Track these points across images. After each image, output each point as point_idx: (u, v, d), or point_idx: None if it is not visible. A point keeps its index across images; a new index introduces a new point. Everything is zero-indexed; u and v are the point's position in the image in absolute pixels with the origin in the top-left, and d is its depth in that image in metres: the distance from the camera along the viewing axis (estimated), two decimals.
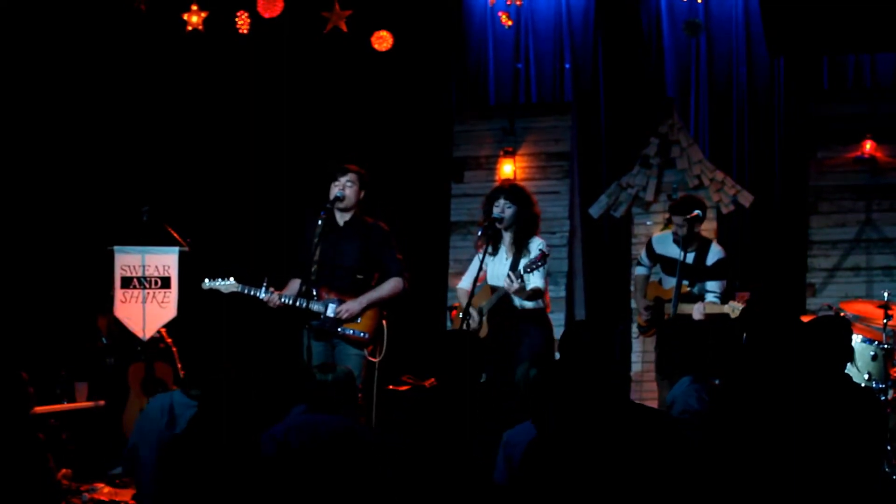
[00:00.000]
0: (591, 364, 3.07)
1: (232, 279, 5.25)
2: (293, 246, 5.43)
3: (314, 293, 5.19)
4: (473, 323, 5.14)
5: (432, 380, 5.80)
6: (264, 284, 5.13)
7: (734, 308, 5.35)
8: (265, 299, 5.13)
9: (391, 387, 5.96)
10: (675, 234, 5.75)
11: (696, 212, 5.66)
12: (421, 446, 3.53)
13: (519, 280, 4.89)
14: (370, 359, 5.24)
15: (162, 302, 6.29)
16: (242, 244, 7.38)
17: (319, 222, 5.19)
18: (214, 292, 5.24)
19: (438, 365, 3.67)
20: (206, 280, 5.28)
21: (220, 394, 3.52)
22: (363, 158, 5.75)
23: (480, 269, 5.18)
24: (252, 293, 5.18)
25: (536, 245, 5.18)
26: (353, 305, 5.20)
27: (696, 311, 5.48)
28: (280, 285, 5.27)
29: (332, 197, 5.24)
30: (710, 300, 5.56)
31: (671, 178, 7.25)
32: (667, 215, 7.06)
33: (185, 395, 4.26)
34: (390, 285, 5.30)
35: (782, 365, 3.13)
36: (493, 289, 5.23)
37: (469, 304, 5.06)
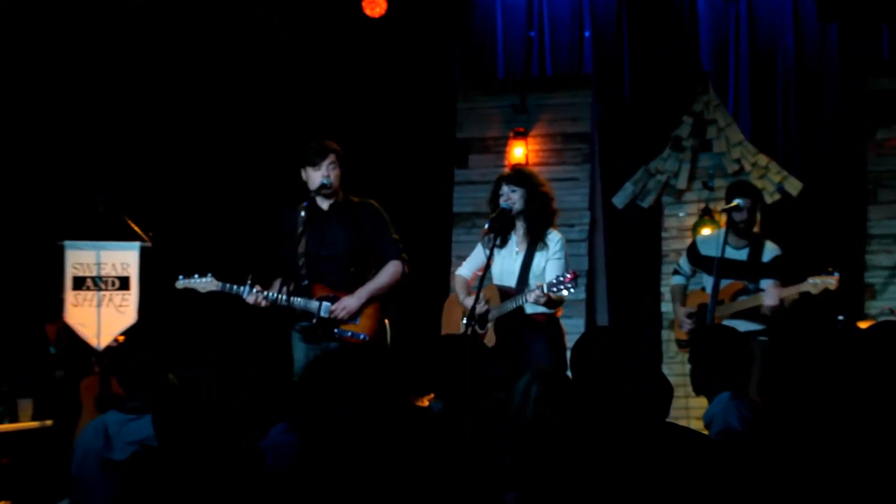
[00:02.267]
0: (612, 379, 3.02)
1: (210, 276, 5.25)
2: (273, 241, 5.45)
3: (305, 290, 5.21)
4: (482, 326, 5.13)
5: (431, 395, 5.76)
6: (248, 282, 5.12)
7: (816, 284, 5.42)
8: (250, 299, 5.12)
9: None
10: (734, 221, 5.66)
11: (737, 201, 5.67)
12: (416, 473, 3.52)
13: (546, 298, 4.85)
14: None
15: (120, 305, 6.30)
16: (215, 238, 7.42)
17: (303, 213, 5.23)
18: (190, 292, 5.25)
19: (439, 378, 3.70)
20: (181, 278, 5.27)
21: (166, 408, 3.45)
22: (351, 140, 5.83)
23: (489, 262, 5.15)
24: (234, 291, 5.17)
25: (555, 241, 5.15)
26: (350, 302, 5.21)
27: (769, 296, 5.51)
28: (263, 285, 5.28)
29: (315, 185, 5.26)
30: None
31: (707, 162, 7.24)
32: (702, 205, 7.21)
33: (120, 411, 4.23)
34: (389, 271, 5.30)
35: (836, 380, 3.08)
36: (504, 292, 5.19)
37: (475, 303, 5.01)
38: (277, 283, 5.24)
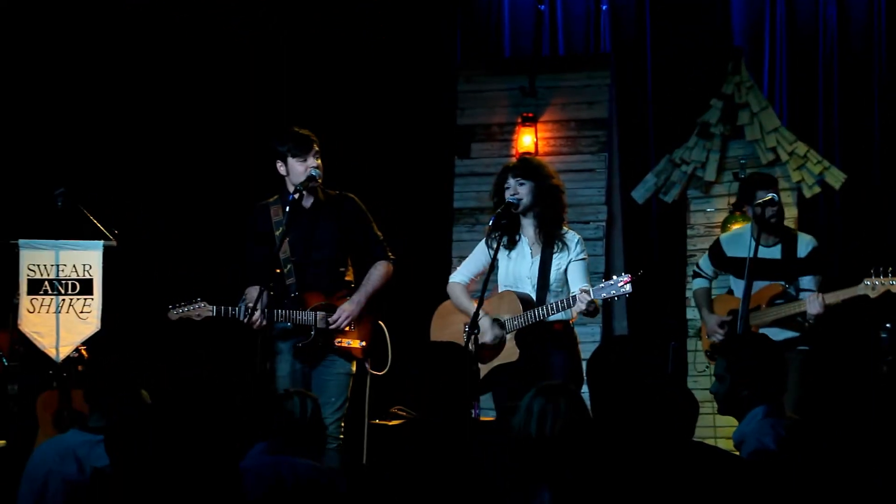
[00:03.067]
0: (631, 394, 3.10)
1: (201, 301, 5.36)
2: (239, 245, 5.47)
3: (296, 301, 5.24)
4: (485, 337, 5.09)
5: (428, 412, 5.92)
6: (242, 301, 5.23)
7: (875, 287, 5.36)
8: (248, 321, 5.11)
9: (377, 420, 6.01)
10: (765, 218, 5.63)
11: (771, 195, 5.61)
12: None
13: (594, 305, 4.86)
14: (372, 371, 5.34)
15: (81, 312, 6.27)
16: (188, 236, 7.41)
17: (287, 208, 5.19)
18: (185, 321, 5.39)
19: (430, 393, 3.97)
20: (172, 308, 5.42)
21: (131, 427, 3.49)
22: (337, 126, 6.05)
23: (493, 266, 5.09)
24: (231, 314, 5.28)
25: (576, 241, 5.15)
26: (351, 308, 5.27)
27: (813, 304, 5.47)
28: (226, 294, 5.35)
29: (300, 178, 5.23)
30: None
31: (738, 151, 7.21)
32: (732, 199, 7.11)
33: (83, 430, 4.20)
34: (379, 272, 5.38)
35: (885, 396, 3.07)
36: (523, 300, 5.13)
37: (478, 311, 4.90)
38: (248, 294, 5.23)
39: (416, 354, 5.55)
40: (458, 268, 5.45)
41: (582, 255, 5.12)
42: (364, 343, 5.34)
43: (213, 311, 5.32)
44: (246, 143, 7.46)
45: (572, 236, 5.16)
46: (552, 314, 4.99)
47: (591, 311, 4.88)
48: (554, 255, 5.12)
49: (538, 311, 5.01)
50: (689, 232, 7.28)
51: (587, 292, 4.82)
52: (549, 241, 5.13)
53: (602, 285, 4.82)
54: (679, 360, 6.87)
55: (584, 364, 4.64)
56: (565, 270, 5.10)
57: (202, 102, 7.61)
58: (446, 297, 7.11)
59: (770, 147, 7.04)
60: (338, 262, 5.36)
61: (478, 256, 5.32)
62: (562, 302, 4.94)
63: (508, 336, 5.10)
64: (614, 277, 4.81)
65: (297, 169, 5.25)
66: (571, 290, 5.01)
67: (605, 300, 4.85)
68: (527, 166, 5.24)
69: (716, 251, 5.92)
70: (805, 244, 5.70)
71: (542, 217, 5.15)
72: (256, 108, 7.63)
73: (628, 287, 4.76)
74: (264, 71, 7.68)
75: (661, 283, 7.37)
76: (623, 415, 3.10)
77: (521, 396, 3.61)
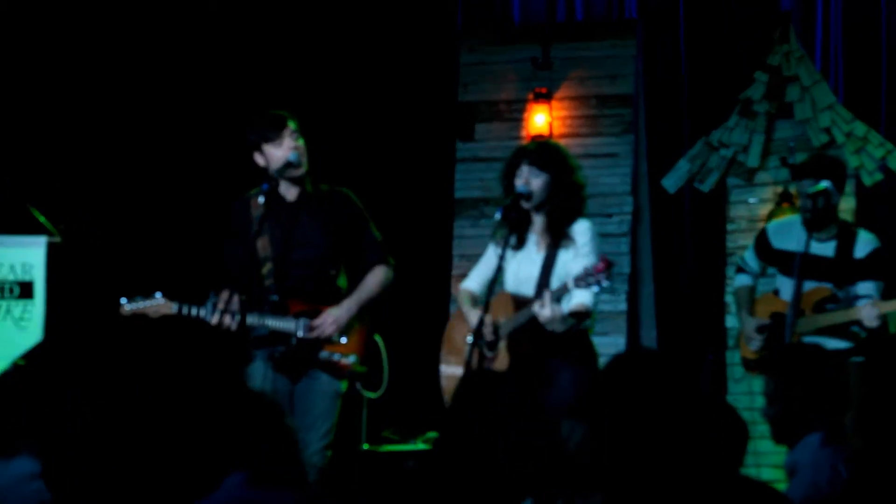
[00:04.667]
0: (660, 418, 3.03)
1: (160, 296, 5.34)
2: (213, 242, 5.50)
3: (276, 306, 5.26)
4: (491, 345, 5.14)
5: (427, 436, 6.36)
6: (210, 300, 5.21)
7: None
8: (214, 320, 5.17)
9: (368, 446, 6.17)
10: (816, 209, 5.60)
11: (824, 184, 5.54)
12: None
13: (555, 305, 4.84)
14: (364, 393, 5.35)
15: (20, 319, 6.29)
16: (148, 232, 7.39)
17: (262, 199, 5.18)
18: (139, 317, 5.37)
19: (437, 416, 3.95)
20: (126, 301, 5.38)
21: (68, 458, 3.54)
22: (322, 106, 6.19)
23: (500, 266, 5.15)
24: (195, 314, 5.26)
25: (584, 232, 5.12)
26: (338, 314, 5.28)
27: (867, 315, 5.43)
28: (201, 300, 5.34)
29: (278, 165, 5.22)
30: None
31: (786, 132, 7.17)
32: (779, 189, 7.08)
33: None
34: (377, 278, 5.40)
35: None
36: (517, 301, 5.18)
37: (482, 321, 4.99)
38: (226, 297, 5.24)
39: (408, 386, 5.66)
40: (469, 275, 5.47)
41: (587, 248, 5.08)
42: (355, 359, 5.33)
43: (173, 309, 5.30)
44: (216, 122, 7.42)
45: (581, 226, 5.15)
46: (539, 313, 4.97)
47: (553, 318, 4.80)
48: (560, 252, 5.14)
49: (526, 312, 5.03)
50: (728, 227, 7.23)
51: (566, 284, 4.82)
52: (556, 239, 5.16)
53: (580, 273, 4.77)
54: (717, 376, 6.85)
55: None
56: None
57: (164, 76, 7.61)
58: (445, 298, 7.42)
59: (824, 128, 7.01)
60: (326, 263, 5.36)
61: (489, 258, 5.33)
62: (542, 298, 4.88)
63: (501, 343, 5.14)
64: (589, 267, 4.74)
65: (275, 155, 5.24)
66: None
67: (588, 286, 4.74)
68: (546, 154, 5.22)
69: (762, 241, 5.89)
70: (864, 243, 5.67)
71: (553, 215, 5.16)
72: (225, 80, 7.63)
73: (605, 275, 4.69)
74: (231, 40, 7.70)
75: (696, 286, 7.34)
76: (650, 443, 3.01)
77: (497, 414, 3.60)
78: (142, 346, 6.43)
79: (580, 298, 4.99)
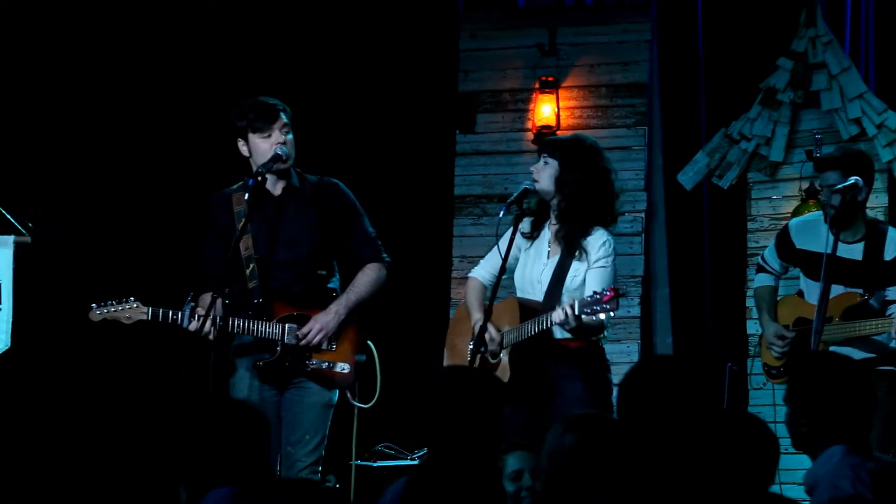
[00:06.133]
0: (680, 430, 3.08)
1: (135, 301, 5.30)
2: (192, 241, 5.51)
3: (261, 309, 5.24)
4: (493, 354, 5.13)
5: (424, 451, 6.10)
6: (188, 303, 5.20)
7: None
8: (192, 327, 5.14)
9: (360, 460, 6.09)
10: (843, 206, 5.49)
11: (854, 180, 5.43)
12: None
13: (577, 320, 4.84)
14: (356, 404, 5.34)
15: None
16: (120, 231, 7.35)
17: (246, 195, 5.16)
18: (112, 324, 5.34)
19: (432, 427, 3.71)
20: (96, 307, 5.34)
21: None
22: (311, 94, 6.27)
23: (509, 252, 5.09)
24: (171, 319, 5.23)
25: (599, 244, 5.08)
26: (326, 320, 5.23)
27: None
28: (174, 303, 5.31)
29: (265, 158, 5.18)
30: None
31: (812, 123, 7.16)
32: (805, 185, 7.05)
33: None
34: (368, 277, 5.35)
35: None
36: (526, 308, 5.13)
37: (486, 322, 4.99)
38: (202, 302, 5.23)
39: (404, 394, 5.53)
40: (479, 262, 5.47)
41: (603, 262, 5.05)
42: (347, 367, 5.28)
43: (147, 314, 5.25)
44: (196, 110, 7.37)
45: (597, 237, 5.10)
46: (546, 328, 4.98)
47: (574, 328, 4.87)
48: (574, 262, 5.10)
49: (531, 324, 5.00)
50: (749, 225, 7.22)
51: (571, 306, 4.80)
52: (572, 245, 5.11)
53: (588, 298, 4.80)
54: (738, 387, 6.73)
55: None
56: (584, 280, 5.07)
57: (139, 62, 7.53)
58: (445, 302, 7.43)
59: (853, 118, 6.98)
60: (315, 263, 5.32)
61: (501, 247, 5.23)
62: (549, 315, 4.92)
63: (504, 352, 5.12)
64: (597, 293, 4.78)
65: (261, 147, 5.18)
66: None
67: (595, 314, 4.78)
68: (557, 140, 5.20)
69: (783, 240, 5.83)
70: (894, 244, 5.63)
71: (564, 218, 5.10)
72: (206, 67, 7.58)
73: (611, 305, 4.73)
74: (214, 23, 7.62)
75: (715, 289, 7.34)
76: (669, 461, 3.05)
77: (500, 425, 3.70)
78: (117, 356, 6.43)
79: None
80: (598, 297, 4.74)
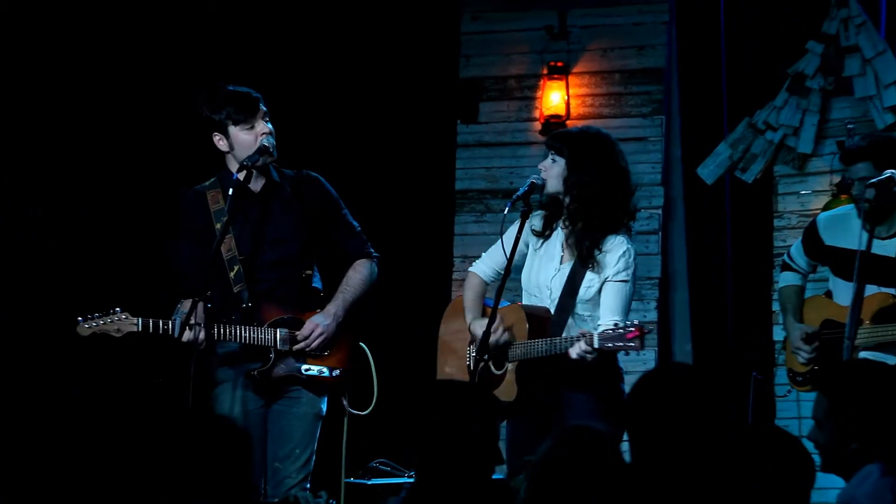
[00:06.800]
0: (699, 448, 3.11)
1: (122, 312, 5.26)
2: (169, 246, 5.51)
3: (249, 314, 5.23)
4: (497, 368, 5.13)
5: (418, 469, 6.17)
6: (178, 311, 5.21)
7: None
8: (184, 337, 5.12)
9: (353, 478, 6.09)
10: (878, 200, 5.44)
11: (890, 173, 5.35)
12: None
13: (596, 352, 4.87)
14: (352, 411, 5.32)
15: None
16: (97, 231, 7.32)
17: (230, 191, 5.14)
18: (101, 338, 5.31)
19: (425, 447, 3.73)
20: (83, 321, 5.28)
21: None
22: (294, 82, 6.41)
23: (514, 251, 5.05)
24: (162, 329, 5.22)
25: (618, 254, 5.01)
26: (326, 322, 5.24)
27: None
28: (158, 310, 5.30)
29: (249, 152, 5.15)
30: None
31: (844, 112, 7.12)
32: (836, 179, 7.03)
33: None
34: (361, 275, 5.37)
35: None
36: (535, 319, 5.08)
37: (489, 328, 4.99)
38: (187, 306, 5.19)
39: (400, 406, 5.49)
40: (481, 256, 5.42)
41: (623, 276, 5.00)
42: (340, 372, 5.28)
43: (137, 326, 5.19)
44: (173, 105, 7.19)
45: (616, 244, 5.02)
46: (560, 353, 4.98)
47: (593, 358, 4.91)
48: (588, 272, 5.06)
49: (543, 344, 4.99)
50: (776, 223, 7.19)
51: (589, 338, 4.81)
52: (584, 250, 5.07)
53: (608, 331, 4.82)
54: (764, 398, 6.74)
55: None
56: (599, 290, 5.01)
57: (139, 62, 7.51)
58: (445, 305, 7.11)
59: (889, 106, 6.93)
60: (301, 262, 5.33)
61: (505, 242, 5.20)
62: (563, 342, 4.94)
63: (510, 366, 5.10)
64: (620, 326, 4.82)
65: (245, 140, 5.15)
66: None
67: (614, 347, 4.86)
68: (565, 135, 5.22)
69: (811, 236, 5.77)
70: None
71: (573, 219, 5.04)
72: (177, 52, 7.53)
73: (635, 343, 4.80)
74: (214, 23, 7.60)
75: (738, 292, 7.35)
76: (689, 479, 3.04)
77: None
78: (91, 365, 6.43)
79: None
80: (622, 332, 4.76)
